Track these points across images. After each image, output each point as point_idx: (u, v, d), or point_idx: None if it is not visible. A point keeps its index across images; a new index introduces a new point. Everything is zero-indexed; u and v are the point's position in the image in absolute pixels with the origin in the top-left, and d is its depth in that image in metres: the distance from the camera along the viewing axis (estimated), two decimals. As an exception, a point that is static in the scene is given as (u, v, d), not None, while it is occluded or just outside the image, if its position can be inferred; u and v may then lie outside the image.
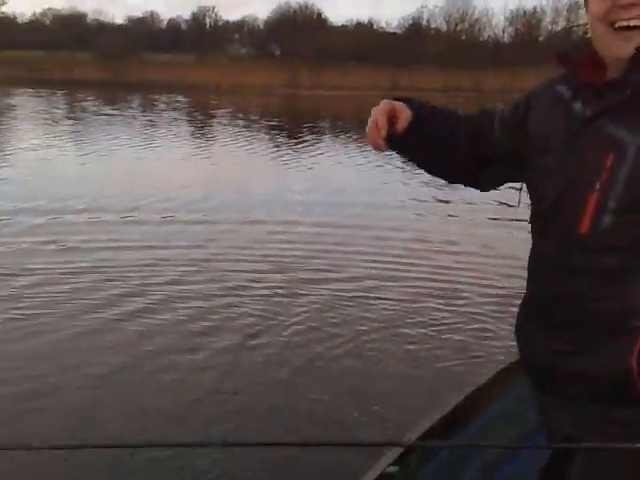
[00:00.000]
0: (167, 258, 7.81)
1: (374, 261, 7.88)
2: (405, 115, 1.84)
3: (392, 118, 1.83)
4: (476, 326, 6.07)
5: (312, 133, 21.59)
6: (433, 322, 6.13)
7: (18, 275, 7.01)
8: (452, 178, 2.04)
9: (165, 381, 4.94)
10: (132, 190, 11.69)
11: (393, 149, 1.90)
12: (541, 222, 1.78)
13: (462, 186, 2.07)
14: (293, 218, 9.95)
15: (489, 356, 5.38)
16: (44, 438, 4.03)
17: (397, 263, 7.81)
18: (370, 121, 1.82)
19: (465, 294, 6.89)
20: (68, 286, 6.76)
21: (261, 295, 6.67)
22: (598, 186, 1.65)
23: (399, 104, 1.86)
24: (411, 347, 5.63)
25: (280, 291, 6.80)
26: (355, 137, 21.40)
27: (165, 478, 3.77)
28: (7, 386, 4.75)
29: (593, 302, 1.68)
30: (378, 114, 1.81)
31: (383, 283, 7.15)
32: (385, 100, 1.86)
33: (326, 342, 5.67)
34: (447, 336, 5.86)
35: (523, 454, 2.88)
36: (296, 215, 10.17)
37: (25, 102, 29.83)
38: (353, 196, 11.72)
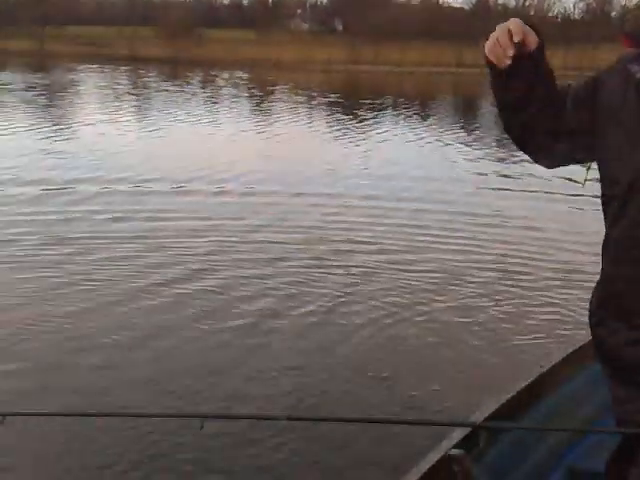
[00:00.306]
0: (216, 228, 7.80)
1: (427, 234, 7.72)
2: (533, 38, 1.70)
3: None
4: (539, 301, 5.81)
5: (371, 110, 21.28)
6: (497, 297, 5.91)
7: (66, 244, 7.04)
8: (527, 139, 1.84)
9: (209, 346, 4.90)
10: (187, 163, 11.68)
11: (510, 70, 1.71)
12: (614, 207, 1.72)
13: (530, 157, 1.89)
14: (350, 192, 9.78)
15: (555, 336, 5.09)
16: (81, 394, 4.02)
17: (451, 237, 7.63)
18: (500, 29, 1.67)
19: (525, 269, 6.63)
20: (115, 253, 6.77)
21: (308, 265, 6.58)
22: None
23: (528, 27, 1.70)
24: (469, 320, 5.42)
25: (329, 262, 6.68)
26: (412, 114, 21.04)
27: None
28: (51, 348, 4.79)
29: None
30: (512, 26, 1.66)
31: (437, 256, 6.97)
32: (515, 18, 1.71)
33: (381, 310, 5.53)
34: (509, 310, 5.63)
35: (592, 438, 2.82)
36: (353, 189, 10.00)
37: (88, 78, 30.32)
38: (405, 171, 11.54)
